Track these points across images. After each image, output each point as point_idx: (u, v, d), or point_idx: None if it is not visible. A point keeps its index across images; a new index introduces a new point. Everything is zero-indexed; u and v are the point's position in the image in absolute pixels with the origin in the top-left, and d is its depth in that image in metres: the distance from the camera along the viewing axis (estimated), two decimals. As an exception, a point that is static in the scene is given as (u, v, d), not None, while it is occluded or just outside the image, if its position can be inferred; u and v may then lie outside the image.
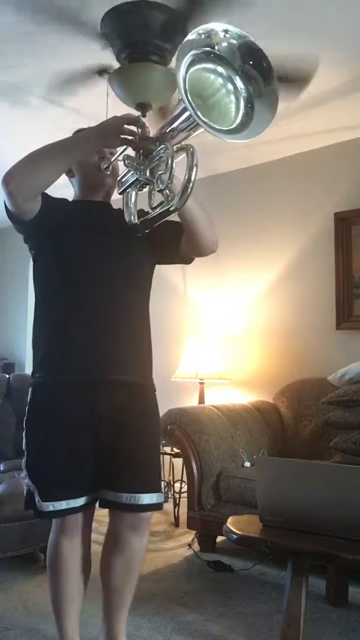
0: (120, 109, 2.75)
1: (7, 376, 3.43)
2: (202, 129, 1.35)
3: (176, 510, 3.47)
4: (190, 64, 1.34)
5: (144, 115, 2.62)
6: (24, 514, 2.54)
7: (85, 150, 1.66)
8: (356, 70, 2.81)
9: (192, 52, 1.34)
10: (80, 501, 1.66)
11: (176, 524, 3.46)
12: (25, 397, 3.40)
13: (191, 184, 1.43)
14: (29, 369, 6.05)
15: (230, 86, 1.40)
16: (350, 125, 3.41)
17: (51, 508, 1.63)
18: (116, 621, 1.76)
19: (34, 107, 3.21)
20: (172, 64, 2.54)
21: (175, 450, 3.34)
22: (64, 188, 1.80)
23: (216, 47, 1.37)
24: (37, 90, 3.02)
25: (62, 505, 1.63)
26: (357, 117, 3.30)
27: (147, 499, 1.68)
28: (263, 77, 1.39)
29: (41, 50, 2.64)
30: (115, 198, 1.82)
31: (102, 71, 2.79)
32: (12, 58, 2.72)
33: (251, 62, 1.39)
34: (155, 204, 1.57)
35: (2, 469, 2.96)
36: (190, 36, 1.33)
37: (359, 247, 3.52)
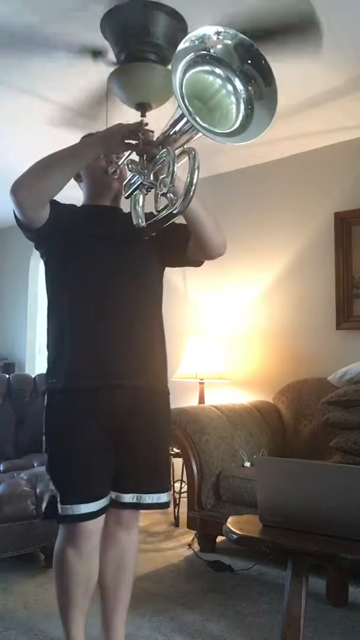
0: (120, 109, 2.77)
1: (7, 376, 3.43)
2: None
3: (176, 510, 3.47)
4: (187, 69, 1.34)
5: (143, 115, 2.62)
6: (24, 513, 2.56)
7: (90, 156, 1.67)
8: (356, 70, 2.81)
9: (187, 58, 1.33)
10: (100, 504, 1.67)
11: (176, 524, 3.46)
12: (25, 397, 3.42)
13: (193, 187, 1.43)
14: (29, 369, 6.03)
15: (230, 87, 1.40)
16: (350, 125, 3.41)
17: (69, 512, 1.63)
18: (112, 620, 1.77)
19: (34, 108, 3.20)
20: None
21: (175, 450, 3.34)
22: (69, 189, 1.80)
23: (212, 50, 1.36)
24: (37, 91, 3.02)
25: (81, 509, 1.64)
26: (357, 117, 3.30)
27: (148, 499, 1.72)
28: (263, 77, 1.39)
29: (41, 51, 2.64)
30: (126, 201, 1.82)
31: (96, 52, 2.72)
32: (11, 56, 2.71)
33: (250, 62, 1.38)
34: (161, 207, 1.57)
35: (2, 469, 2.96)
36: (183, 44, 1.32)
37: (359, 247, 3.52)
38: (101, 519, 1.69)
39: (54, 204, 1.70)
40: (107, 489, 1.70)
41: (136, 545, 1.83)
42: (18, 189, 1.56)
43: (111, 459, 1.70)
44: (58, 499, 1.65)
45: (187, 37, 1.32)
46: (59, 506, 1.64)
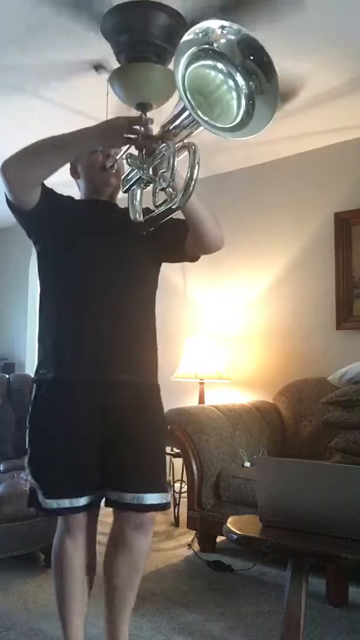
0: (121, 109, 2.76)
1: (7, 376, 3.42)
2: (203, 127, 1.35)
3: (176, 510, 3.47)
4: (190, 62, 1.33)
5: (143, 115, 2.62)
6: (24, 514, 2.55)
7: (85, 147, 1.66)
8: (356, 70, 2.80)
9: (190, 51, 1.33)
10: (83, 500, 1.66)
11: (176, 524, 3.46)
12: (25, 397, 3.41)
13: (193, 182, 1.43)
14: (29, 369, 6.02)
15: (231, 82, 1.40)
16: (350, 125, 3.40)
17: (55, 506, 1.63)
18: (119, 623, 1.76)
19: (33, 107, 3.20)
20: (172, 63, 2.54)
21: (175, 450, 3.34)
22: (67, 187, 1.80)
23: (215, 45, 1.36)
24: (37, 90, 3.02)
25: (65, 503, 1.63)
26: (357, 117, 3.30)
27: (151, 499, 1.68)
28: (264, 72, 1.38)
29: (41, 51, 2.64)
30: (122, 197, 1.82)
31: (98, 66, 2.75)
32: (11, 56, 2.71)
33: (252, 57, 1.38)
34: (159, 202, 1.57)
35: (2, 469, 2.95)
36: (187, 36, 1.32)
37: (359, 247, 3.52)
38: (95, 510, 1.69)
39: (50, 192, 1.70)
40: (92, 487, 1.68)
41: (149, 550, 1.79)
42: (8, 167, 1.57)
43: (100, 452, 1.67)
44: (38, 491, 1.64)
45: (191, 29, 1.32)
46: (43, 500, 1.63)
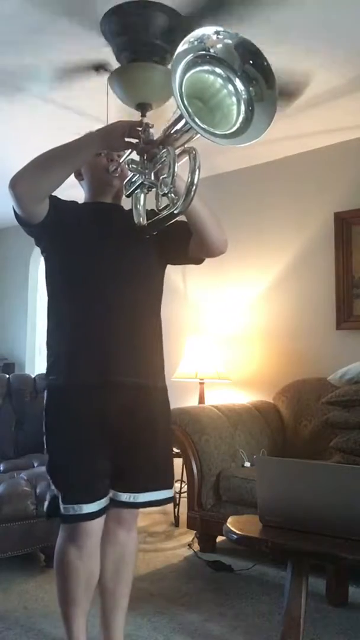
0: (120, 108, 2.77)
1: (7, 376, 3.42)
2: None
3: (176, 510, 3.47)
4: (186, 70, 1.33)
5: (143, 115, 2.62)
6: (24, 514, 2.56)
7: (91, 152, 1.66)
8: (356, 70, 2.81)
9: (186, 59, 1.32)
10: (102, 503, 1.67)
11: (176, 524, 3.46)
12: (25, 397, 3.42)
13: (194, 187, 1.43)
14: (29, 369, 6.00)
15: (231, 87, 1.39)
16: (350, 125, 3.40)
17: (71, 512, 1.63)
18: (111, 623, 1.77)
19: (33, 106, 3.20)
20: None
21: (175, 450, 3.33)
22: (71, 189, 1.80)
23: (211, 50, 1.36)
24: (37, 89, 3.02)
25: (82, 509, 1.63)
26: (357, 117, 3.30)
27: (144, 497, 1.72)
28: (265, 78, 1.38)
29: (41, 50, 2.64)
30: (127, 199, 1.82)
31: (98, 67, 2.76)
32: (12, 56, 2.71)
33: (251, 62, 1.38)
34: (163, 206, 1.57)
35: (2, 469, 2.95)
36: (182, 46, 1.31)
37: (359, 247, 3.52)
38: (102, 518, 1.69)
39: (55, 200, 1.70)
40: (107, 488, 1.70)
41: (135, 545, 1.83)
42: (17, 183, 1.56)
43: (110, 457, 1.69)
44: (59, 498, 1.65)
45: (185, 38, 1.32)
46: (61, 506, 1.64)
